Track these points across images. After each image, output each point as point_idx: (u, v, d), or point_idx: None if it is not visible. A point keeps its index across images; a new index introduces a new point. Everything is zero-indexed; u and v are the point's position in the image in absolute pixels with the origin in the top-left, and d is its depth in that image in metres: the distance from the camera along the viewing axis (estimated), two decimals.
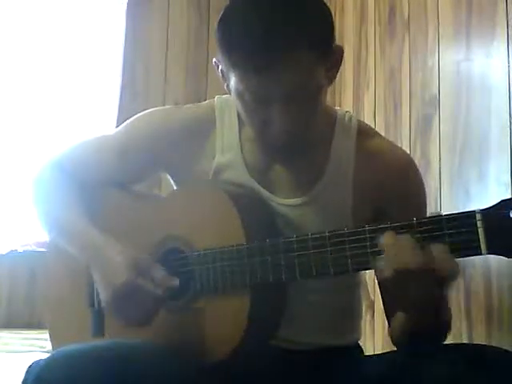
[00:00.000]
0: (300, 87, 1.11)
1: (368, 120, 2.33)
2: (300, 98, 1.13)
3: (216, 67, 1.21)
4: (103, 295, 1.20)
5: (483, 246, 0.95)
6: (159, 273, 1.19)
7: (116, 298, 1.18)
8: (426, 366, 1.08)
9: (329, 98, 1.25)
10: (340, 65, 1.20)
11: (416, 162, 1.33)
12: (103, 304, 1.22)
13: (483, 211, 0.95)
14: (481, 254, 0.95)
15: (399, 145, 2.01)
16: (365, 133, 1.29)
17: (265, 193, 1.25)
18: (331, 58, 1.16)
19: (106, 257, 1.21)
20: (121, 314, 1.21)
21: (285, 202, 1.25)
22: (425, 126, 1.98)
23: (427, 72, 2.00)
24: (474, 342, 1.64)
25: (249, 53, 1.09)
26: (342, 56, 1.20)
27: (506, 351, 1.10)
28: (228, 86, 1.19)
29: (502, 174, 1.61)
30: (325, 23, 1.15)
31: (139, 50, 3.14)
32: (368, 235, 1.03)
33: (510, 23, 1.61)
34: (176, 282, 1.19)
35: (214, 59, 1.20)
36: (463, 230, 0.96)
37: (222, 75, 1.20)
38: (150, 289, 1.17)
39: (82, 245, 1.27)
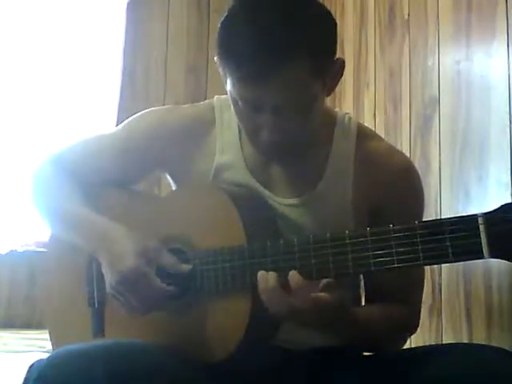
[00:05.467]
0: (292, 100, 1.11)
1: (368, 120, 2.33)
2: (291, 110, 1.13)
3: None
4: (109, 279, 1.20)
5: (485, 251, 0.93)
6: (169, 259, 1.20)
7: (122, 283, 1.18)
8: (425, 366, 1.08)
9: (329, 98, 1.25)
10: (340, 78, 1.20)
11: (416, 162, 1.33)
12: (108, 288, 1.21)
13: (486, 215, 0.94)
14: (483, 258, 0.94)
15: (399, 145, 2.02)
16: (364, 135, 1.29)
17: (265, 192, 1.25)
18: (330, 71, 1.16)
19: (116, 242, 1.21)
20: (124, 300, 1.20)
21: (285, 202, 1.25)
22: (425, 126, 1.98)
23: (427, 72, 2.00)
24: (474, 342, 1.64)
25: (243, 61, 1.09)
26: (342, 69, 1.19)
27: (506, 351, 1.11)
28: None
29: (502, 175, 1.60)
30: (325, 37, 1.14)
31: (139, 50, 3.14)
32: (369, 238, 1.02)
33: (510, 23, 1.61)
34: (187, 267, 1.19)
35: (216, 56, 1.20)
36: (465, 233, 0.95)
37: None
38: (154, 279, 1.17)
39: (90, 232, 1.26)
